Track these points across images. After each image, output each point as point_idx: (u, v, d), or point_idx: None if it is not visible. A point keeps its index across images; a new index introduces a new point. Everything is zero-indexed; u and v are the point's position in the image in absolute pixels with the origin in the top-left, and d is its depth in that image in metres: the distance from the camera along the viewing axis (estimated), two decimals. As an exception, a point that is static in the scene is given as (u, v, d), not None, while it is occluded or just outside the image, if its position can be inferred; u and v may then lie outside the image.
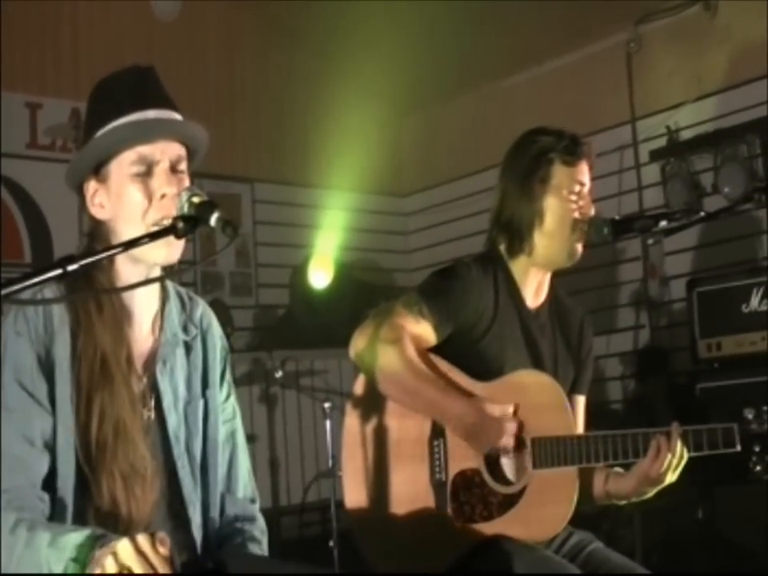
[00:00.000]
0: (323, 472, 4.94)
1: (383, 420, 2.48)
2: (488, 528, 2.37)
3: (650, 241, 2.51)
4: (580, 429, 2.56)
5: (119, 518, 1.80)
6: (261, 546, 2.03)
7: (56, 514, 1.78)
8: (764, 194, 2.40)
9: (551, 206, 2.51)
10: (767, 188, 2.44)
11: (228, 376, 2.10)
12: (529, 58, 6.07)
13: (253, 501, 2.10)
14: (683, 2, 5.43)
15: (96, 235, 1.92)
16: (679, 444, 2.31)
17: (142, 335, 1.95)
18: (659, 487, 2.40)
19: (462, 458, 2.42)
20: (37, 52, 5.43)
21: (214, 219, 1.70)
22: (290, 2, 5.73)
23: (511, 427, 2.36)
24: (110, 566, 1.53)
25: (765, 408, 2.34)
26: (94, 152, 1.89)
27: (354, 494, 2.50)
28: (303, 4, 5.65)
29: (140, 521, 1.82)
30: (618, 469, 2.48)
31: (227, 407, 2.08)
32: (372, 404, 2.49)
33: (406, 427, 2.46)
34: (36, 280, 1.52)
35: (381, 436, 2.47)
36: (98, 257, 1.67)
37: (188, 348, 2.01)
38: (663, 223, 2.44)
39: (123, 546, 1.54)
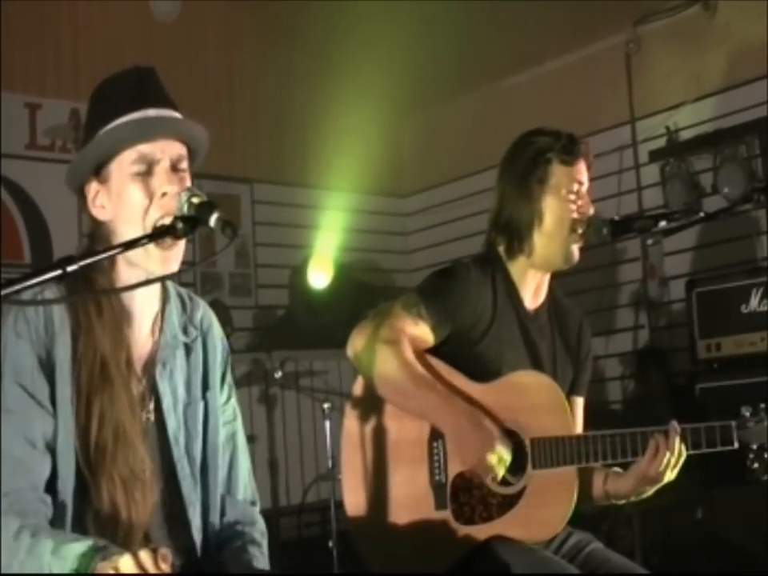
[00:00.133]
0: (323, 475, 4.94)
1: (382, 421, 2.47)
2: (488, 529, 2.37)
3: (650, 241, 2.51)
4: (579, 430, 2.55)
5: (119, 521, 1.79)
6: (261, 549, 2.02)
7: (56, 517, 1.77)
8: (763, 194, 2.40)
9: (550, 205, 2.50)
10: (766, 188, 2.43)
11: (228, 378, 2.09)
12: (529, 58, 6.07)
13: (253, 503, 2.09)
14: (682, 3, 5.43)
15: (96, 236, 1.92)
16: (677, 442, 2.31)
17: (142, 337, 1.95)
18: (658, 486, 2.40)
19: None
20: (36, 52, 5.43)
21: (213, 220, 1.70)
22: (289, 2, 5.73)
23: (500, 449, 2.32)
24: None
25: (762, 406, 2.35)
26: (94, 151, 1.88)
27: (354, 496, 2.49)
28: (302, 4, 5.65)
29: (139, 524, 1.81)
30: (616, 469, 2.48)
31: (227, 409, 2.07)
32: (371, 405, 2.48)
33: (405, 428, 2.46)
34: (36, 281, 1.52)
35: (380, 437, 2.46)
36: (97, 257, 1.67)
37: (188, 350, 2.01)
38: (663, 223, 2.43)
39: (125, 562, 1.53)
